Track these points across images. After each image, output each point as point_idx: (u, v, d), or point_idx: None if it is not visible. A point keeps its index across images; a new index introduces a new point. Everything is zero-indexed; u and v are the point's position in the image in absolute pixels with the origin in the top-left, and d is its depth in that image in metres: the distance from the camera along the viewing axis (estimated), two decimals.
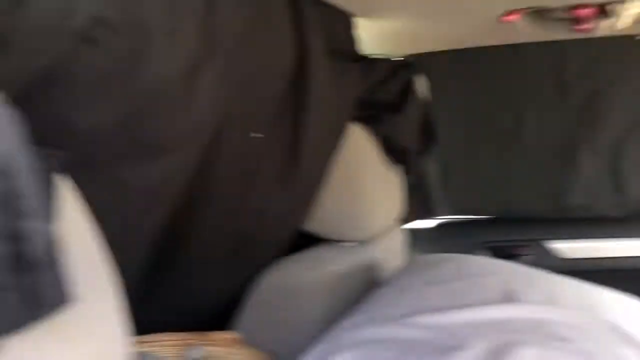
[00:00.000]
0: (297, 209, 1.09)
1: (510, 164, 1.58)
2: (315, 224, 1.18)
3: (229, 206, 0.96)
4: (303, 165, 1.03)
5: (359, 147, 1.20)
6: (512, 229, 1.69)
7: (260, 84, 0.90)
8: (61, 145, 0.60)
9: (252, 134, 0.95)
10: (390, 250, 1.34)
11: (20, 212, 0.37)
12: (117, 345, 0.59)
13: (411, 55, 1.43)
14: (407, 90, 1.28)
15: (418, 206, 1.46)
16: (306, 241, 1.20)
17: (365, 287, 1.11)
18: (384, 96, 1.25)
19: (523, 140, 1.56)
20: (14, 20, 0.49)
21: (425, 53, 1.43)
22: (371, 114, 1.23)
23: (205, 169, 0.85)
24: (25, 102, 0.56)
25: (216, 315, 1.05)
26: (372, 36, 1.29)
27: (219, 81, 0.77)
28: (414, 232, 1.50)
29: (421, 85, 1.37)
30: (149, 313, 0.96)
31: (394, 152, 1.25)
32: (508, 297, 0.83)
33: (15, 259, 0.39)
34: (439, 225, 1.72)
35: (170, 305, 0.98)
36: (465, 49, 1.41)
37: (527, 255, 1.61)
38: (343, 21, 1.16)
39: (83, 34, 0.55)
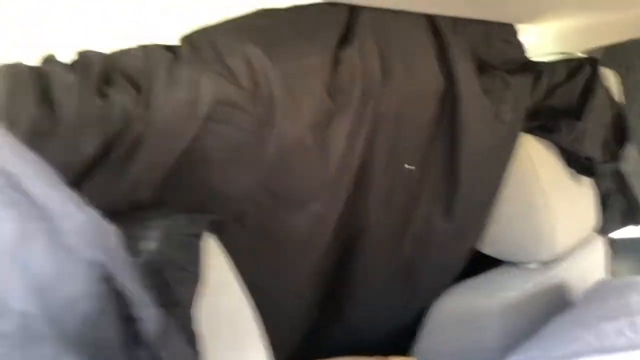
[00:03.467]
0: (464, 232, 1.06)
1: None
2: (490, 246, 1.13)
3: (389, 238, 0.98)
4: (464, 188, 1.00)
5: (535, 159, 1.12)
6: None
7: (407, 115, 0.90)
8: (209, 209, 0.69)
9: (407, 166, 0.95)
10: (586, 268, 1.22)
11: (128, 303, 0.44)
12: None
13: (593, 51, 1.28)
14: (589, 91, 1.16)
15: (620, 213, 1.30)
16: (484, 263, 1.15)
17: (555, 311, 1.03)
18: (561, 101, 1.15)
19: None
20: (147, 117, 0.58)
21: (611, 45, 1.27)
22: (547, 123, 1.14)
23: (356, 207, 0.89)
24: (173, 178, 0.65)
25: (392, 343, 1.08)
26: (543, 38, 1.19)
27: (355, 126, 0.80)
28: (618, 242, 1.34)
29: (610, 82, 1.23)
30: (323, 344, 1.03)
31: (577, 161, 1.14)
32: None
33: (132, 338, 0.46)
34: None
35: (343, 337, 1.03)
36: None
37: None
38: (502, 32, 1.09)
39: (209, 115, 0.63)
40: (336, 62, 0.75)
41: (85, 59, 0.56)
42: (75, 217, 0.42)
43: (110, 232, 0.44)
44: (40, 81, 0.52)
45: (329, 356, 1.04)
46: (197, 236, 0.62)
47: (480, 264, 1.15)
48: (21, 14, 0.74)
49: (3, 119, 0.45)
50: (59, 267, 0.40)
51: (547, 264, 1.13)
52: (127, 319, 0.44)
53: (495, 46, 1.08)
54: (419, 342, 1.12)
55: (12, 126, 0.44)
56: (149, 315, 0.44)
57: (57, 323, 0.39)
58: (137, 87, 0.58)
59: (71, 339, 0.40)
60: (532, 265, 1.12)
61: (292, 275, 0.86)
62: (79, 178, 0.55)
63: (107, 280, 0.42)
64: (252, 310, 0.68)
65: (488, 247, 1.13)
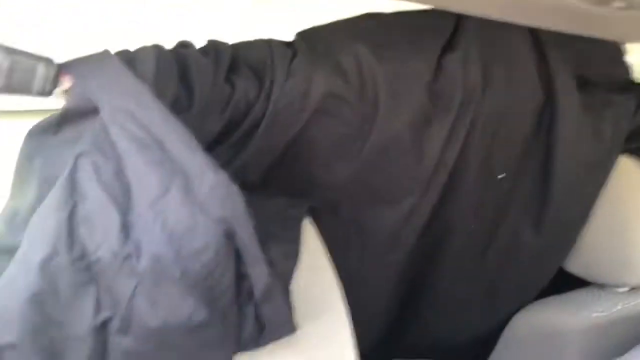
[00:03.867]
0: (553, 249, 1.06)
1: None
2: (579, 266, 1.11)
3: (474, 246, 0.99)
4: (556, 204, 1.00)
5: (634, 181, 1.10)
6: None
7: (504, 127, 0.91)
8: (309, 195, 0.74)
9: (499, 176, 0.96)
10: None
11: (245, 260, 0.49)
12: None
13: None
14: None
15: None
16: (570, 283, 1.14)
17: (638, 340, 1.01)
18: None
19: None
20: (266, 106, 0.64)
21: None
22: None
23: (445, 212, 0.91)
24: (280, 164, 0.71)
25: (468, 353, 1.08)
26: None
27: (452, 131, 0.82)
28: None
29: None
30: (399, 343, 1.05)
31: None
32: None
33: (247, 295, 0.51)
34: None
35: (419, 339, 1.05)
36: None
37: None
38: (607, 50, 1.08)
39: (319, 107, 0.68)
40: (439, 67, 0.79)
41: (216, 47, 0.63)
42: (209, 178, 0.48)
43: (237, 194, 0.50)
44: (179, 62, 0.58)
45: (403, 357, 1.07)
46: (298, 218, 0.67)
47: (564, 282, 1.14)
48: (21, 14, 0.79)
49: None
50: (192, 220, 0.46)
51: (637, 289, 1.09)
52: (241, 276, 0.50)
53: (599, 64, 1.07)
54: (496, 354, 1.12)
55: (159, 99, 0.51)
56: (260, 272, 0.49)
57: (184, 268, 0.45)
58: (259, 78, 0.64)
59: (194, 285, 0.46)
60: (620, 289, 1.09)
61: (377, 270, 0.89)
62: None
63: (230, 236, 0.48)
64: (342, 293, 0.72)
65: (575, 267, 1.11)
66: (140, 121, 0.47)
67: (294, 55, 0.67)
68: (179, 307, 0.45)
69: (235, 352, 0.53)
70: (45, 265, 0.45)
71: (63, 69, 0.52)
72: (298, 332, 0.66)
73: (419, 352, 1.07)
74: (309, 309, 0.69)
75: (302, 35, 0.72)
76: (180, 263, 0.45)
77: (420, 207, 0.85)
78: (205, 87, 0.58)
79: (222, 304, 0.48)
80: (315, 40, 0.71)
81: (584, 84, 1.02)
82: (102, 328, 0.46)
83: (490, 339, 1.12)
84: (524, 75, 0.91)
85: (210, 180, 0.48)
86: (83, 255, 0.46)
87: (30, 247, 0.46)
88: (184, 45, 0.62)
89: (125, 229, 0.46)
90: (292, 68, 0.65)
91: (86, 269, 0.45)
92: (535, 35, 0.94)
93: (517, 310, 1.10)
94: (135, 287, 0.45)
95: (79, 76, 0.51)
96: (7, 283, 0.45)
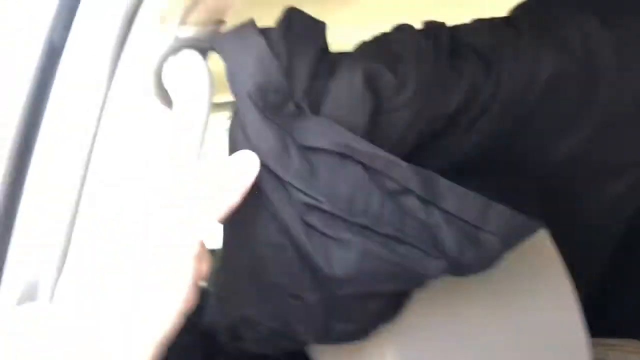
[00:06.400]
0: None
1: None
2: None
3: None
4: None
5: None
6: None
7: None
8: (534, 173, 0.70)
9: None
10: None
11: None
12: (576, 346, 0.65)
13: None
14: None
15: None
16: None
17: None
18: None
19: None
20: (493, 91, 0.60)
21: None
22: None
23: None
24: (497, 147, 0.67)
25: None
26: None
27: None
28: None
29: None
30: (611, 318, 0.99)
31: None
32: None
33: None
34: None
35: (633, 315, 0.98)
36: None
37: None
38: None
39: (546, 88, 0.63)
40: None
41: (434, 29, 0.59)
42: None
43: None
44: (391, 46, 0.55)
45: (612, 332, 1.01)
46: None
47: None
48: None
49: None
50: None
51: None
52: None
53: None
54: None
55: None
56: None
57: None
58: (485, 62, 0.60)
59: None
60: None
61: (586, 245, 0.84)
62: (430, 138, 0.58)
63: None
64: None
65: None
66: None
67: (518, 34, 0.63)
68: None
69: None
70: None
71: None
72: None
73: (621, 331, 1.01)
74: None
75: (523, 8, 0.67)
76: None
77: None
78: (426, 71, 0.55)
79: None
80: (538, 13, 0.65)
81: None
82: None
83: None
84: None
85: None
86: None
87: None
88: (400, 29, 0.59)
89: None
90: (518, 50, 0.61)
91: None
92: None
93: None
94: None
95: None
96: None
